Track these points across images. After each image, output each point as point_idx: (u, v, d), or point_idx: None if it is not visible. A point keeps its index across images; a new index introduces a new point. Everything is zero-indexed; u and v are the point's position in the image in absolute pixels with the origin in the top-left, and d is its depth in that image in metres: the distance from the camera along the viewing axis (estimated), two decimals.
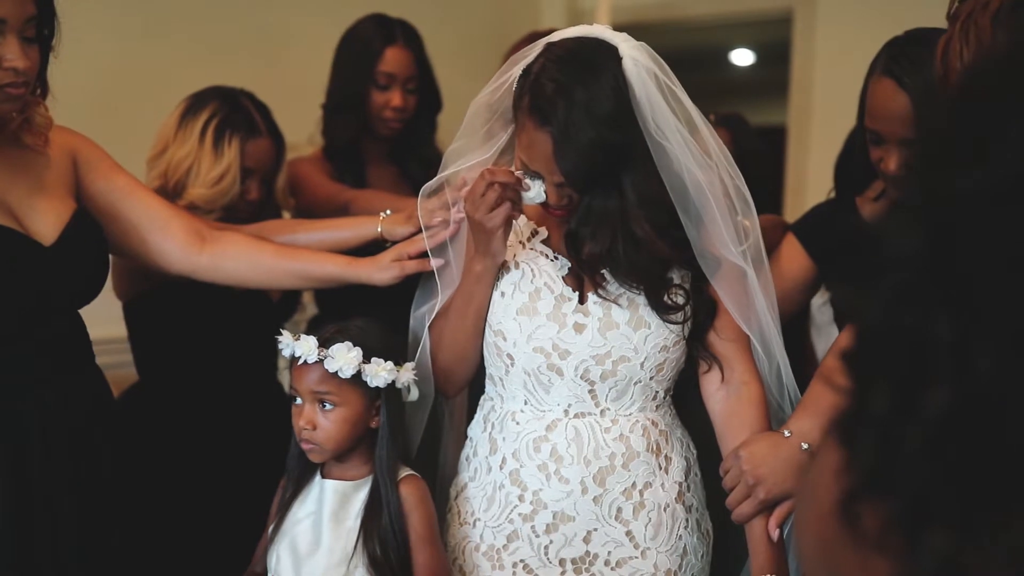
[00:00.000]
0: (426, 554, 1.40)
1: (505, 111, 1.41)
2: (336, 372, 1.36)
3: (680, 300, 1.40)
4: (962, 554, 0.40)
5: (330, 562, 1.38)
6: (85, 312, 1.50)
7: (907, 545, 0.42)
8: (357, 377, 1.37)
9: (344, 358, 1.36)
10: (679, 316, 1.39)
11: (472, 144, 1.47)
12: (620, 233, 1.33)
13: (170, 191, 1.84)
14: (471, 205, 1.36)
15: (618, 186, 1.32)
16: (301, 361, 1.37)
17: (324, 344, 1.37)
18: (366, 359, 1.37)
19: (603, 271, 1.38)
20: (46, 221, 1.41)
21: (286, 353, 1.40)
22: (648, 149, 1.32)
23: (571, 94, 1.28)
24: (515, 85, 1.36)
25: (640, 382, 1.41)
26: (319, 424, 1.38)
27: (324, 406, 1.39)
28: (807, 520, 0.51)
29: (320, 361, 1.36)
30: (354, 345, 1.37)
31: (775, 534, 1.37)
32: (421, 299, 1.54)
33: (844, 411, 0.47)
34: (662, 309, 1.38)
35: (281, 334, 1.41)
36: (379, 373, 1.37)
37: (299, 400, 1.41)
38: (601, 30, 1.35)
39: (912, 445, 0.41)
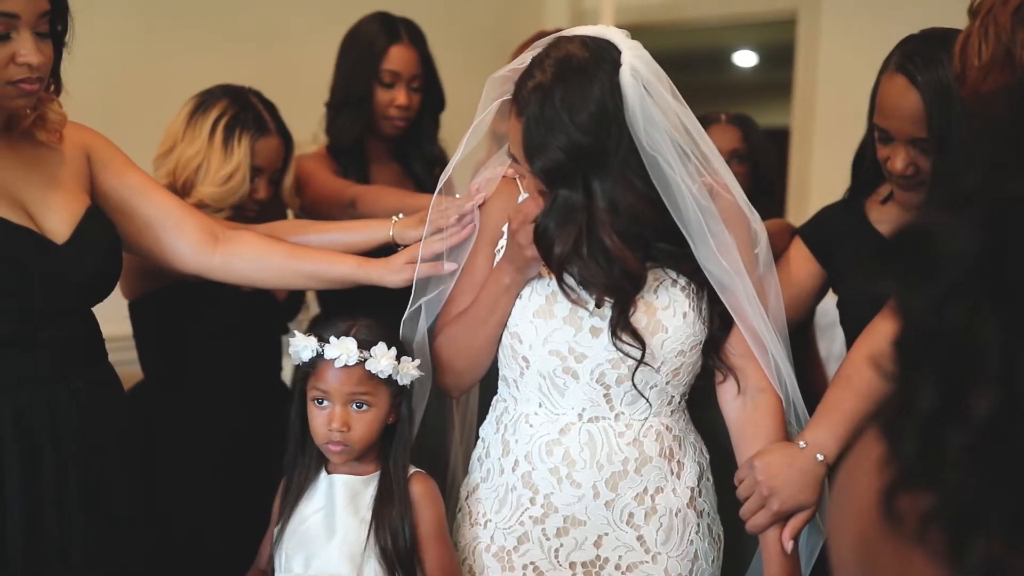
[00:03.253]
0: (437, 551, 1.41)
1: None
2: (378, 372, 1.36)
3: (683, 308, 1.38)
4: (1007, 561, 0.40)
5: (344, 553, 1.38)
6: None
7: (949, 545, 0.42)
8: (389, 376, 1.38)
9: (387, 358, 1.36)
10: (635, 350, 1.35)
11: (483, 126, 1.46)
12: (585, 233, 1.31)
13: (179, 189, 1.83)
14: (518, 225, 1.34)
15: (588, 188, 1.31)
16: (341, 364, 1.36)
17: (362, 345, 1.36)
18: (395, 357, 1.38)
19: (570, 273, 1.33)
20: (60, 218, 1.40)
21: (305, 356, 1.38)
22: (632, 161, 1.30)
23: (551, 93, 1.27)
24: None
25: (656, 386, 1.40)
26: (353, 425, 1.38)
27: (359, 407, 1.39)
28: (845, 518, 0.51)
29: (361, 363, 1.36)
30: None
31: (789, 546, 1.36)
32: (435, 302, 1.52)
33: (888, 404, 0.46)
34: (625, 329, 1.34)
35: (293, 335, 1.40)
36: (409, 371, 1.39)
37: (325, 403, 1.40)
38: (613, 33, 1.33)
39: (955, 444, 0.41)
